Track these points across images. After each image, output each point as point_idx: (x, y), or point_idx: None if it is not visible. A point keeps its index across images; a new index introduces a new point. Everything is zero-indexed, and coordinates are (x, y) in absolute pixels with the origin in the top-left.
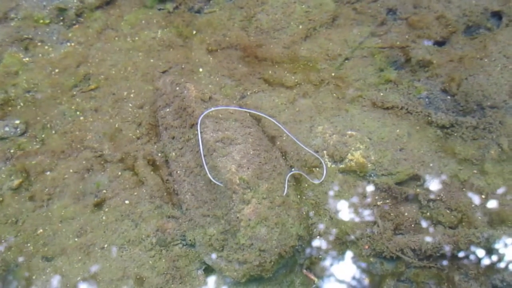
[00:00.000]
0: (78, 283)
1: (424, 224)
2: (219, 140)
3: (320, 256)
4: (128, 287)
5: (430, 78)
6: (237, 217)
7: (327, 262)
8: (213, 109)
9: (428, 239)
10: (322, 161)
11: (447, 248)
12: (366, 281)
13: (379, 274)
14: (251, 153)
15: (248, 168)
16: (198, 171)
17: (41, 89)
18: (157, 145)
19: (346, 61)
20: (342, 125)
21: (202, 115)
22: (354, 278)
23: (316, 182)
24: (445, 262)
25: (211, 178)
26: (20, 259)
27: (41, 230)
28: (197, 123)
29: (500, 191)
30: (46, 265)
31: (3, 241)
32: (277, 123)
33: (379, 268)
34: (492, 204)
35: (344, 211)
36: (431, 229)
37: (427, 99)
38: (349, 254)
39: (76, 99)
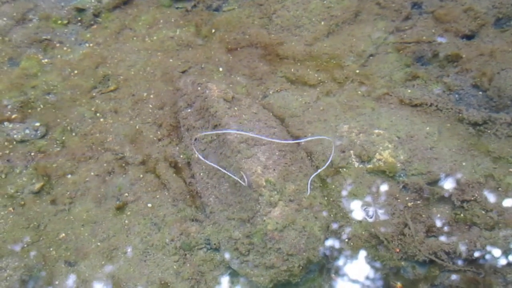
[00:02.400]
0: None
1: (458, 226)
2: (243, 141)
3: (347, 260)
4: None
5: (460, 73)
6: (264, 220)
7: (354, 266)
8: (204, 133)
9: (463, 241)
10: (330, 139)
11: (483, 251)
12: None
13: (412, 279)
14: (277, 154)
15: (274, 170)
16: (222, 173)
17: (60, 90)
18: (178, 146)
19: (371, 57)
20: (368, 123)
21: (195, 138)
22: (384, 282)
23: (323, 168)
24: (481, 266)
25: (236, 178)
26: (43, 264)
27: (63, 235)
28: (192, 143)
29: None
30: (69, 270)
31: (25, 245)
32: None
33: (411, 272)
34: None
35: (373, 213)
36: (465, 231)
37: (457, 95)
38: (379, 257)
39: (96, 101)
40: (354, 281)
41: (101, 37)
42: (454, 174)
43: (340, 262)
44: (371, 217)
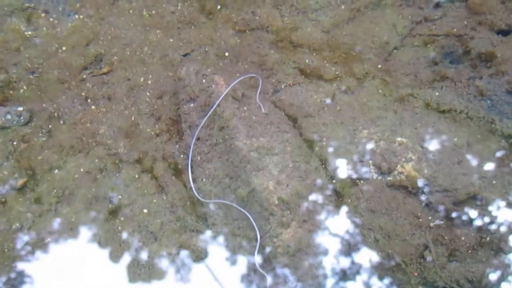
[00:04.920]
0: None
1: (483, 251)
2: (253, 150)
3: (361, 282)
4: None
5: (494, 75)
6: (274, 242)
7: None
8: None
9: (489, 269)
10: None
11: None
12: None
13: None
14: (290, 165)
15: (287, 185)
16: (228, 183)
17: (46, 70)
18: (179, 145)
19: (395, 50)
20: (390, 129)
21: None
22: None
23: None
24: None
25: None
26: (28, 271)
27: (48, 239)
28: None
29: None
30: (55, 279)
31: (6, 250)
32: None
33: None
34: None
35: (391, 232)
36: (492, 258)
37: (489, 102)
38: (394, 280)
39: (87, 84)
40: None
41: (93, 8)
42: (482, 193)
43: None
44: None
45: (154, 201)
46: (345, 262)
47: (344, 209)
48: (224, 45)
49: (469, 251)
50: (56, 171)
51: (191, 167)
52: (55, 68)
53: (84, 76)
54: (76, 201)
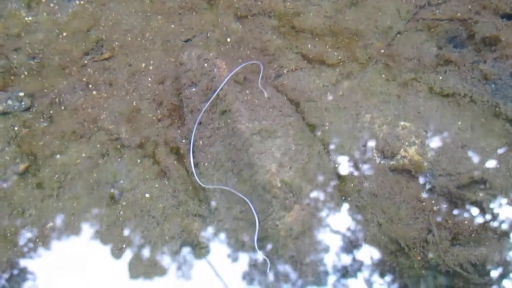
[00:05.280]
0: (94, 286)
1: (487, 235)
2: (256, 133)
3: (363, 267)
4: None
5: (499, 59)
6: (277, 225)
7: (372, 274)
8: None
9: (493, 253)
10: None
11: None
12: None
13: None
14: (293, 148)
15: (290, 168)
16: (230, 167)
17: (47, 56)
18: (181, 129)
19: (398, 35)
20: (393, 114)
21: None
22: None
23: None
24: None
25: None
26: (29, 257)
27: (51, 224)
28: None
29: None
30: (58, 265)
31: (8, 234)
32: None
33: (431, 282)
34: None
35: (394, 217)
36: (495, 242)
37: (493, 86)
38: (398, 264)
39: (88, 70)
40: None
41: None
42: (486, 177)
43: (356, 268)
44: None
45: (156, 186)
46: (346, 250)
47: (347, 193)
48: (225, 31)
49: (473, 235)
50: (58, 156)
51: (193, 152)
52: (56, 53)
53: (85, 62)
54: (78, 186)
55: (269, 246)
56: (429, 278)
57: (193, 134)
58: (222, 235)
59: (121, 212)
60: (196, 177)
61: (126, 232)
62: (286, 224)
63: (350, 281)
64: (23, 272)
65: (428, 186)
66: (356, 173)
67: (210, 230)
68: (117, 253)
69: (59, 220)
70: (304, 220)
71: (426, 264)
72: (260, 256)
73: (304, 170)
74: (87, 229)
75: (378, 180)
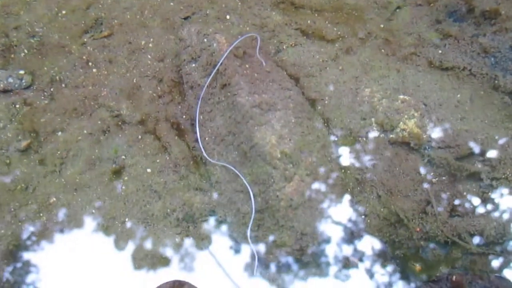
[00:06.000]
0: (98, 260)
1: (485, 206)
2: (256, 105)
3: (365, 238)
4: (153, 266)
5: (498, 33)
6: (277, 196)
7: (370, 245)
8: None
9: (491, 223)
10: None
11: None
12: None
13: (431, 260)
14: (293, 121)
15: (290, 140)
16: (231, 140)
17: (47, 34)
18: (181, 105)
19: (398, 10)
20: (392, 87)
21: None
22: (402, 263)
23: None
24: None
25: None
26: (32, 230)
27: (54, 199)
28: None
29: None
30: (62, 238)
31: (12, 209)
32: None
33: (430, 253)
34: None
35: (394, 189)
36: (493, 212)
37: (493, 59)
38: (397, 236)
39: (87, 48)
40: (371, 261)
41: None
42: (485, 148)
43: (357, 241)
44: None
45: (157, 161)
46: (347, 217)
47: (347, 166)
48: (225, 8)
49: (471, 206)
50: (59, 133)
51: (195, 127)
52: (55, 31)
53: (85, 40)
54: (80, 162)
55: (269, 220)
56: (427, 249)
57: (198, 109)
58: (223, 209)
59: (123, 187)
60: (204, 152)
61: (128, 206)
62: (287, 194)
63: (351, 248)
64: (27, 245)
65: (427, 158)
66: (355, 147)
67: (211, 203)
68: (119, 226)
69: (62, 195)
70: (304, 190)
71: (425, 235)
72: (252, 248)
73: (304, 142)
74: (90, 204)
75: (378, 153)
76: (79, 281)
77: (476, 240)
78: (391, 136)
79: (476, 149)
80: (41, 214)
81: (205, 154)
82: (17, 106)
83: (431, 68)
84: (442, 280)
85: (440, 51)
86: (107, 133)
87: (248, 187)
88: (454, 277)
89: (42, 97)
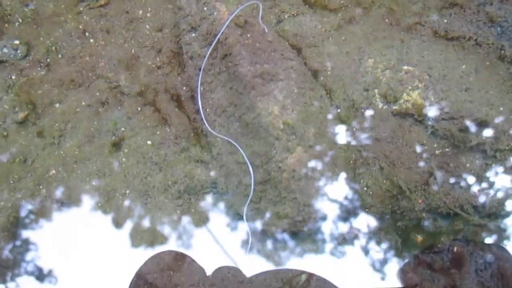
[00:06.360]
0: (98, 233)
1: (488, 177)
2: (257, 75)
3: (366, 211)
4: (154, 239)
5: (505, 1)
6: (279, 167)
7: (373, 218)
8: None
9: (493, 195)
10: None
11: None
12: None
13: (432, 232)
14: (295, 91)
15: (292, 110)
16: (232, 111)
17: (41, 2)
18: (181, 76)
19: None
20: (396, 58)
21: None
22: (403, 234)
23: None
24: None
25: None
26: (32, 203)
27: (53, 172)
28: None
29: None
30: (62, 210)
31: (11, 182)
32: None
33: (431, 225)
34: None
35: (396, 160)
36: (496, 183)
37: (499, 28)
38: (399, 207)
39: (84, 17)
40: (372, 233)
41: None
42: (489, 120)
43: (358, 213)
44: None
45: (158, 133)
46: (348, 191)
47: (350, 137)
48: None
49: (474, 178)
50: (57, 105)
51: (195, 99)
52: (50, 0)
53: (81, 9)
54: (79, 134)
55: (272, 192)
56: (429, 220)
57: (199, 80)
58: (224, 180)
59: (123, 159)
60: (206, 123)
61: (129, 178)
62: (289, 165)
63: (352, 221)
64: (27, 217)
65: (430, 130)
66: (358, 117)
67: (212, 175)
68: (121, 198)
69: (61, 168)
70: (307, 162)
71: (427, 207)
72: (246, 227)
73: (307, 113)
74: (90, 176)
75: (381, 124)
76: (79, 252)
77: (478, 211)
78: (395, 107)
79: (480, 120)
80: (41, 187)
81: (207, 125)
82: (13, 77)
83: (435, 38)
84: (443, 251)
85: (445, 21)
86: (106, 105)
87: (248, 163)
88: (455, 248)
89: (39, 68)
